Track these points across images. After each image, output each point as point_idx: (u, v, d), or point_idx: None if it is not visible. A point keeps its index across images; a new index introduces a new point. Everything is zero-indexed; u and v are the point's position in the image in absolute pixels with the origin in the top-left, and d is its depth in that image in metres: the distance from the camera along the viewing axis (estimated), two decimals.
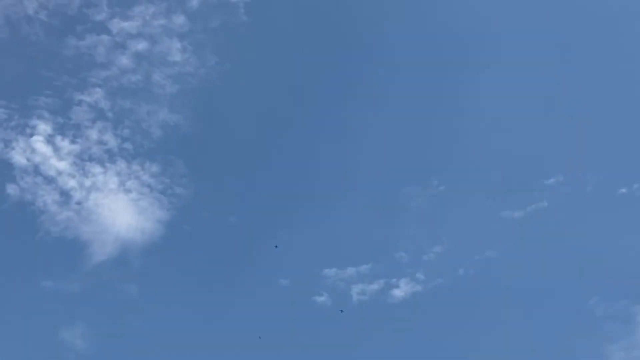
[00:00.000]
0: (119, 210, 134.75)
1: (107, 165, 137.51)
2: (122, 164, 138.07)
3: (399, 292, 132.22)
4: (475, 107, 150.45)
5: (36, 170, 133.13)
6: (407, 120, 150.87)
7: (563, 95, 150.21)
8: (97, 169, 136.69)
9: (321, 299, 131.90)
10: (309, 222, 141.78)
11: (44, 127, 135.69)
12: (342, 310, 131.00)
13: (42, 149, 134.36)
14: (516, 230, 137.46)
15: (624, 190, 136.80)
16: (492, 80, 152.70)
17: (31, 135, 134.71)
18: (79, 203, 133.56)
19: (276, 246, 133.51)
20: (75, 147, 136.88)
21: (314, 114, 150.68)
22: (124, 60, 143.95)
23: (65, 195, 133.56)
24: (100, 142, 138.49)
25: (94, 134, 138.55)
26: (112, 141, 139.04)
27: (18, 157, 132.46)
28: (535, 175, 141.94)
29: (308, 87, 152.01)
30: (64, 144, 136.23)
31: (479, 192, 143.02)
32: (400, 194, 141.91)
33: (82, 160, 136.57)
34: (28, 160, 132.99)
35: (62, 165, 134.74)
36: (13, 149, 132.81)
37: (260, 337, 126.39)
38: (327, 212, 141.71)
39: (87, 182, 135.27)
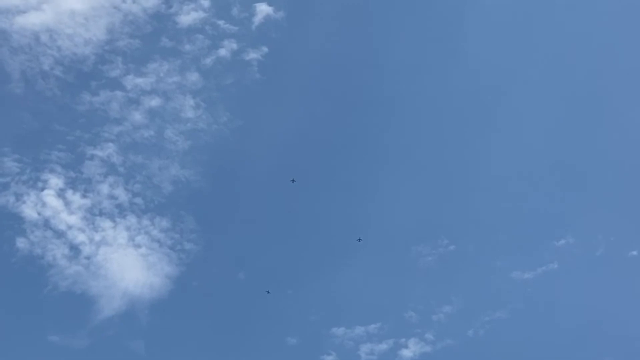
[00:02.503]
0: (128, 266, 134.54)
1: (117, 219, 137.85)
2: (132, 219, 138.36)
3: (408, 352, 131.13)
4: (487, 168, 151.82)
5: (46, 224, 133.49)
6: (417, 179, 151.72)
7: (574, 157, 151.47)
8: (107, 223, 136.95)
9: (329, 358, 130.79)
10: (317, 280, 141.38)
11: (55, 181, 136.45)
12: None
13: (53, 202, 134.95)
14: (527, 291, 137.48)
15: (634, 252, 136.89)
16: (503, 140, 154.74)
17: (42, 189, 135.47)
18: (88, 257, 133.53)
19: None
20: (86, 202, 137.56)
21: (325, 173, 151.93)
22: (137, 116, 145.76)
23: (74, 249, 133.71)
24: (111, 197, 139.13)
25: (105, 188, 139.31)
26: (122, 196, 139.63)
27: (29, 211, 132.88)
28: (545, 237, 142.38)
29: (319, 145, 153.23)
30: (75, 198, 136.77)
31: (489, 252, 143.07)
32: (409, 253, 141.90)
33: (92, 214, 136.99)
34: (39, 214, 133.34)
35: (73, 219, 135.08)
36: (24, 202, 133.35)
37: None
38: (336, 270, 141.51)
39: (97, 237, 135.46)
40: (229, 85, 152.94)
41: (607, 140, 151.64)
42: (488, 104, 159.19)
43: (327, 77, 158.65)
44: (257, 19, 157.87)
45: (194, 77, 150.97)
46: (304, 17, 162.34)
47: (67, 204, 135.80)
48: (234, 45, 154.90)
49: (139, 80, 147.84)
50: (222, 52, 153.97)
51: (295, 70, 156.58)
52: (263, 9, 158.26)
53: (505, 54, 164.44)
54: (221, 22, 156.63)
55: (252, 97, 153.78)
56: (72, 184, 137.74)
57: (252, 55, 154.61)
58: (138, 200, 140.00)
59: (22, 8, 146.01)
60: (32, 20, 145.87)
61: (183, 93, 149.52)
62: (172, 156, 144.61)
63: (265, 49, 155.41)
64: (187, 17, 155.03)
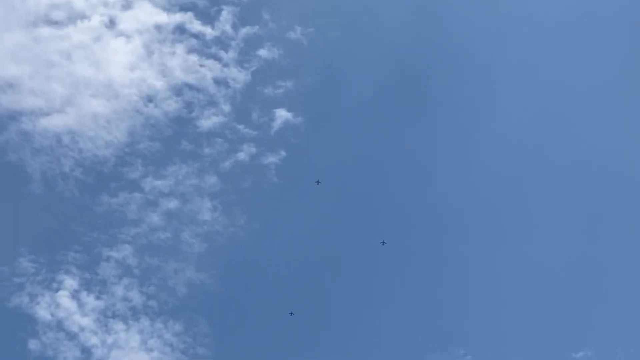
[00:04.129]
0: None
1: (130, 322, 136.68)
2: (145, 322, 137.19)
3: None
4: (504, 276, 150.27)
5: (59, 325, 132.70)
6: (432, 286, 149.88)
7: (592, 266, 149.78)
8: (120, 326, 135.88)
9: None
10: None
11: (70, 282, 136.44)
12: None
13: (66, 304, 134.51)
14: None
15: None
16: (520, 249, 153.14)
17: (57, 290, 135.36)
18: None
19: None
20: (100, 303, 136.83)
21: (340, 278, 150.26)
22: (155, 218, 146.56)
23: (86, 352, 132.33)
24: (125, 299, 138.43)
25: (119, 290, 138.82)
26: (137, 298, 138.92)
27: (42, 312, 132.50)
28: (563, 348, 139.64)
29: (335, 250, 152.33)
30: (89, 299, 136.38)
31: None
32: None
33: (105, 316, 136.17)
34: (52, 315, 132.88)
35: (86, 321, 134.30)
36: (38, 303, 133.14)
37: None
38: None
39: (109, 340, 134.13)
40: (247, 189, 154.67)
41: (625, 250, 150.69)
42: (503, 210, 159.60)
43: (344, 182, 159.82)
44: (277, 124, 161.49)
45: (212, 180, 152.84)
46: (323, 123, 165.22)
47: (80, 305, 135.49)
48: (253, 149, 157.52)
49: (158, 183, 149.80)
50: (241, 155, 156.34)
51: (313, 174, 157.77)
52: (282, 114, 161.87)
53: (523, 156, 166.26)
54: (241, 127, 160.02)
55: (269, 201, 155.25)
56: (86, 285, 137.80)
57: (271, 159, 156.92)
58: (152, 302, 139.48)
59: (46, 110, 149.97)
60: (55, 122, 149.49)
61: (201, 195, 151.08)
62: (188, 259, 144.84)
63: (283, 153, 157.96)
64: (208, 122, 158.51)
